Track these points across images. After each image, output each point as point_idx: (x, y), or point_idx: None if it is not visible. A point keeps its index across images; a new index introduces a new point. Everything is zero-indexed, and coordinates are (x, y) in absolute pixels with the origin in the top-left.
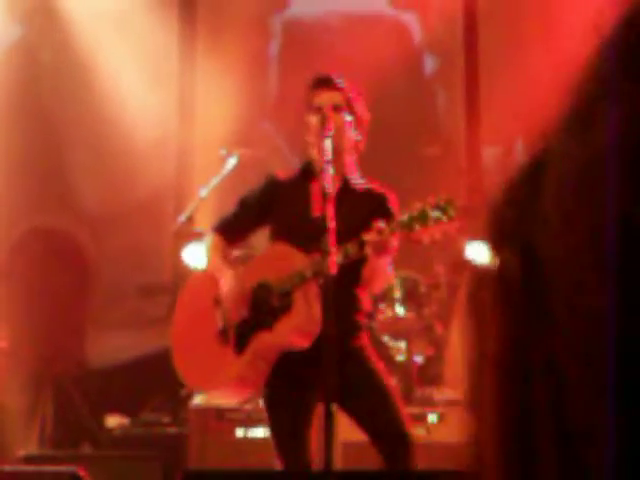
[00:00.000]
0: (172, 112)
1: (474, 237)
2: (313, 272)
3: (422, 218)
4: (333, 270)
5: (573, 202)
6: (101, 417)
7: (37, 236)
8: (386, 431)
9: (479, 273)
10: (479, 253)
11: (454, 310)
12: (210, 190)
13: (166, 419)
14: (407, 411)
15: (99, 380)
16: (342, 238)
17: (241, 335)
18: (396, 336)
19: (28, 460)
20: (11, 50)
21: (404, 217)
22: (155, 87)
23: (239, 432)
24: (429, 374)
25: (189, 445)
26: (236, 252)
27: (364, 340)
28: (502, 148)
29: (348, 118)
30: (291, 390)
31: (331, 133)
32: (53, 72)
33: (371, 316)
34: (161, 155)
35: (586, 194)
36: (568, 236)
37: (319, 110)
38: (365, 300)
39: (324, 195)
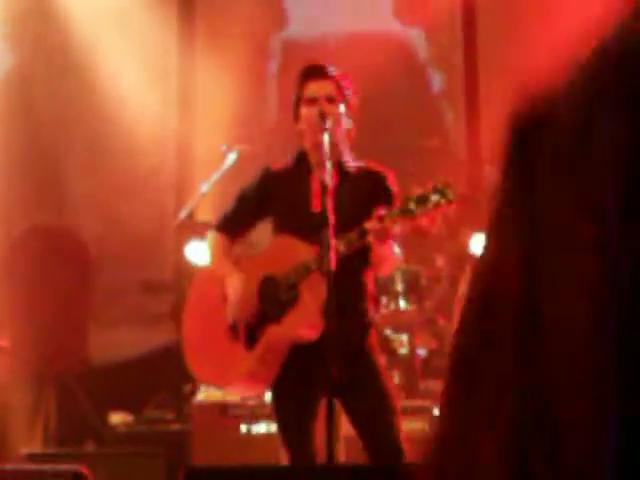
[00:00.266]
0: (172, 109)
1: (476, 229)
2: (317, 263)
3: (421, 202)
4: (333, 265)
5: None
6: (105, 414)
7: (38, 234)
8: (380, 445)
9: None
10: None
11: (456, 303)
12: (211, 185)
13: (170, 416)
14: (410, 404)
15: (102, 377)
16: (344, 225)
17: (251, 330)
18: (398, 329)
19: (31, 458)
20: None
21: (404, 202)
22: (155, 84)
23: (243, 428)
24: (432, 367)
25: (193, 441)
26: (237, 250)
27: (373, 339)
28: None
29: (342, 108)
30: (298, 383)
31: (330, 127)
32: (52, 70)
33: (377, 304)
34: (161, 151)
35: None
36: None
37: (313, 101)
38: (370, 286)
39: (323, 188)
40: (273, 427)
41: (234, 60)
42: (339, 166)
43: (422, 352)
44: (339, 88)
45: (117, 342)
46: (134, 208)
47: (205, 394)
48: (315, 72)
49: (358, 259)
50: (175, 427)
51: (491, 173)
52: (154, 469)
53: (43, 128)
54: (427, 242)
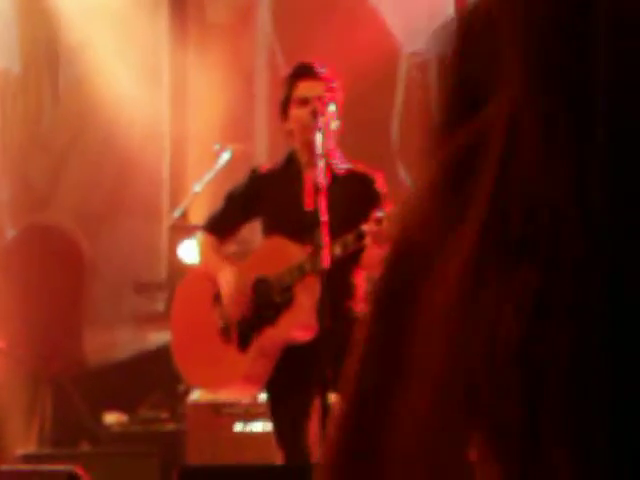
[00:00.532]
0: (164, 108)
1: None
2: (312, 265)
3: None
4: (327, 264)
5: None
6: (99, 414)
7: (33, 234)
8: None
9: None
10: None
11: None
12: (204, 185)
13: (164, 415)
14: None
15: (97, 378)
16: (336, 226)
17: (244, 332)
18: None
19: (27, 459)
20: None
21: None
22: (147, 84)
23: (237, 427)
24: None
25: (188, 441)
26: (232, 248)
27: None
28: None
29: (332, 108)
30: (292, 383)
31: (322, 127)
32: (41, 70)
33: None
34: (154, 151)
35: None
36: None
37: (304, 101)
38: (361, 286)
39: (316, 188)
40: (268, 426)
41: (227, 59)
42: (329, 167)
43: None
44: (329, 88)
45: (111, 342)
46: (127, 208)
47: (199, 394)
48: (306, 72)
49: (349, 260)
50: (169, 427)
51: None
52: (149, 469)
53: (37, 127)
54: None
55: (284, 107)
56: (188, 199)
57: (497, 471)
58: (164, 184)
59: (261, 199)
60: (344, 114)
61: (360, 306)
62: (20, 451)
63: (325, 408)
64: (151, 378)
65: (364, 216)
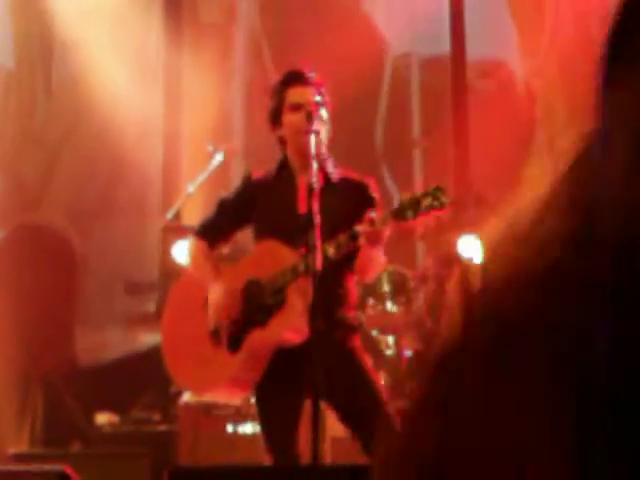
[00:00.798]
0: (158, 108)
1: (464, 230)
2: (305, 266)
3: (414, 206)
4: (319, 266)
5: None
6: (91, 415)
7: (24, 234)
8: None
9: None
10: (469, 247)
11: (443, 304)
12: (197, 186)
13: (156, 416)
14: (397, 405)
15: (88, 378)
16: (330, 231)
17: (234, 335)
18: (385, 331)
19: (18, 458)
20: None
21: (396, 206)
22: (140, 82)
23: (229, 428)
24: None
25: (179, 442)
26: (225, 250)
27: (356, 342)
28: None
29: (324, 112)
30: (281, 386)
31: (316, 129)
32: (36, 69)
33: (359, 310)
34: (147, 150)
35: None
36: None
37: (297, 107)
38: (353, 292)
39: (310, 190)
40: (258, 427)
41: (220, 59)
42: (323, 171)
43: (408, 353)
44: (320, 93)
45: (103, 342)
46: (119, 207)
47: (191, 395)
48: (296, 78)
49: (342, 265)
50: (161, 427)
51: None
52: (140, 469)
53: (29, 126)
54: (414, 244)
55: (276, 114)
56: (181, 200)
57: None
58: (157, 183)
59: (254, 205)
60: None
61: (351, 311)
62: (11, 450)
63: (316, 411)
64: (143, 379)
65: (358, 220)
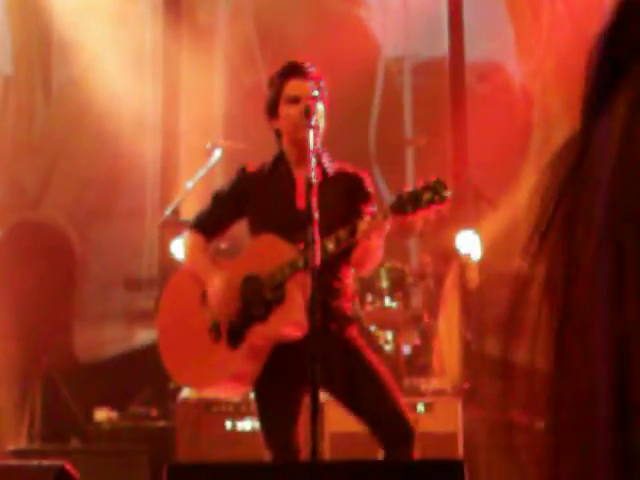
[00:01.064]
0: (157, 105)
1: (462, 226)
2: (304, 261)
3: (414, 200)
4: (317, 261)
5: None
6: (89, 411)
7: (23, 230)
8: (387, 419)
9: None
10: (467, 243)
11: (441, 300)
12: (196, 183)
13: (154, 412)
14: None
15: (87, 374)
16: (328, 225)
17: (234, 330)
18: (383, 326)
19: (16, 454)
20: None
21: (395, 200)
22: (138, 81)
23: (228, 424)
24: (417, 364)
25: (178, 438)
26: (223, 245)
27: (353, 332)
28: None
29: (321, 107)
30: (280, 381)
31: (314, 124)
32: (35, 67)
33: (354, 303)
34: (146, 149)
35: None
36: None
37: (294, 100)
38: (349, 285)
39: (308, 185)
40: (257, 424)
41: (219, 58)
42: (320, 166)
43: (406, 349)
44: (318, 87)
45: (102, 339)
46: (119, 205)
47: (189, 391)
48: (296, 71)
49: (339, 258)
50: (159, 424)
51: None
52: (138, 465)
53: (28, 124)
54: (412, 239)
55: (273, 106)
56: (180, 196)
57: None
58: (155, 180)
59: (249, 198)
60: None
61: (348, 305)
62: (10, 446)
63: (315, 407)
64: (141, 375)
65: (355, 214)
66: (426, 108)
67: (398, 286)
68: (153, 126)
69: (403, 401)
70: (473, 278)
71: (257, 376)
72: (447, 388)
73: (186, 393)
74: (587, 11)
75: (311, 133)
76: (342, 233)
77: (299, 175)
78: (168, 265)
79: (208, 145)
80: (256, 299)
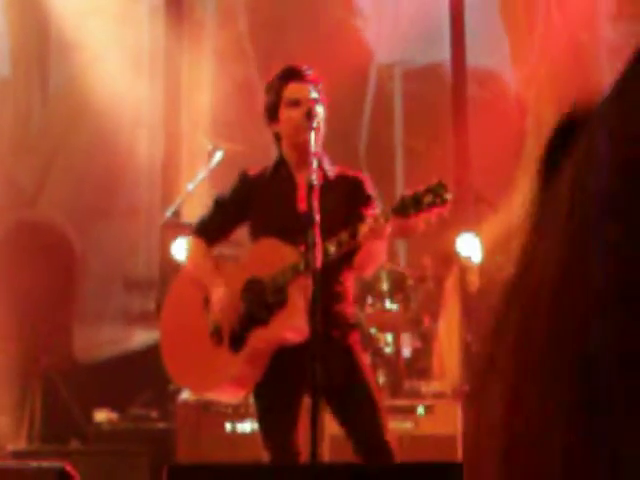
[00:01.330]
0: (157, 104)
1: (462, 229)
2: (306, 264)
3: (415, 203)
4: (319, 264)
5: None
6: (89, 412)
7: (21, 229)
8: (372, 447)
9: None
10: (468, 246)
11: (441, 303)
12: (197, 184)
13: (154, 414)
14: (395, 404)
15: (87, 375)
16: (329, 228)
17: (236, 334)
18: (383, 329)
19: (16, 455)
20: None
21: (397, 202)
22: (139, 81)
23: (228, 426)
24: (416, 367)
25: (177, 439)
26: (225, 250)
27: (354, 339)
28: None
29: (320, 109)
30: (280, 384)
31: (315, 126)
32: (33, 66)
33: (356, 307)
34: (146, 148)
35: None
36: None
37: (295, 103)
38: (350, 289)
39: (309, 188)
40: (257, 425)
41: (219, 59)
42: (321, 169)
43: (406, 352)
44: (318, 90)
45: (101, 339)
46: (118, 204)
47: (190, 393)
48: (295, 74)
49: (340, 261)
50: (159, 425)
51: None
52: (138, 467)
53: (28, 124)
54: (413, 242)
55: (273, 109)
56: (181, 198)
57: None
58: (156, 181)
59: (251, 202)
60: None
61: (351, 310)
62: (9, 447)
63: (315, 410)
64: (141, 376)
65: (356, 217)
66: (418, 114)
67: (398, 288)
68: (151, 125)
69: (388, 424)
70: (473, 281)
71: (257, 380)
72: (447, 391)
73: (186, 395)
74: (580, 20)
75: (312, 135)
76: (344, 236)
77: (300, 178)
78: (169, 266)
79: (209, 147)
80: (258, 302)
